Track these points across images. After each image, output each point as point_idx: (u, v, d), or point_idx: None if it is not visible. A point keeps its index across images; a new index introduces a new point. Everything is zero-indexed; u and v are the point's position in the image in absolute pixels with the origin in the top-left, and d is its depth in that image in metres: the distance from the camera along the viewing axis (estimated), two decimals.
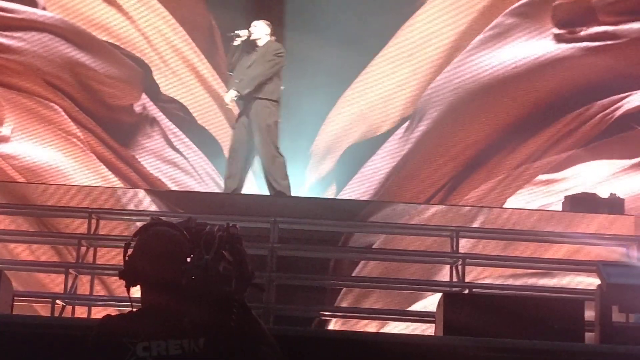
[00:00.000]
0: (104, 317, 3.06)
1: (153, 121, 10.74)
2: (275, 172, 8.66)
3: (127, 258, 3.02)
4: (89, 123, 10.49)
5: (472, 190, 10.39)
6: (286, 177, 8.72)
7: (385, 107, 10.91)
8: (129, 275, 3.01)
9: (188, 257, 2.96)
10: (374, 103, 10.92)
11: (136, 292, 3.06)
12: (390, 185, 10.54)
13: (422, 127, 10.70)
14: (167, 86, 10.85)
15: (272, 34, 9.06)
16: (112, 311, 3.31)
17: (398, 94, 10.88)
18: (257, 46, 8.96)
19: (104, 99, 10.60)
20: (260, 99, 8.73)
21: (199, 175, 10.66)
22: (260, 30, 9.01)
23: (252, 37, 8.97)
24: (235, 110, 9.26)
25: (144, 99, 10.72)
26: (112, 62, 10.69)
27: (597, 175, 10.16)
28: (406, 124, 10.75)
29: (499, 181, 10.46)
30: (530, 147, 10.49)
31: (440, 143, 10.58)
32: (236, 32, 8.94)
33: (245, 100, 8.79)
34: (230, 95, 8.81)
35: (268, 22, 9.11)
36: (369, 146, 10.81)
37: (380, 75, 10.95)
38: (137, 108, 10.70)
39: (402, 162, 10.61)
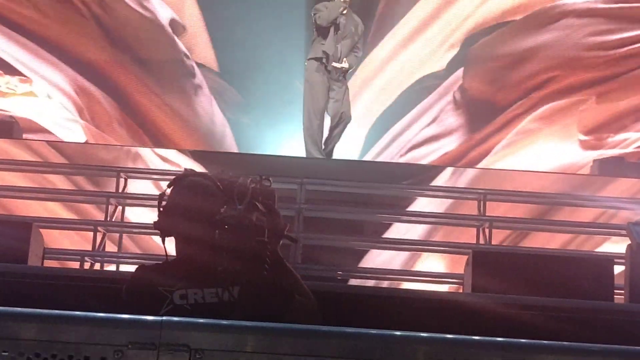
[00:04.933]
0: (138, 267, 3.06)
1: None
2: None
3: (161, 209, 3.01)
4: None
5: None
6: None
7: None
8: (163, 226, 3.01)
9: (221, 207, 2.94)
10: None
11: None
12: None
13: None
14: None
15: None
16: None
17: None
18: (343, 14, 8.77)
19: None
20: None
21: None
22: None
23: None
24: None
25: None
26: None
27: None
28: None
29: None
30: None
31: None
32: None
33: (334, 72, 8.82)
34: (345, 66, 8.79)
35: None
36: None
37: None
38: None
39: None
